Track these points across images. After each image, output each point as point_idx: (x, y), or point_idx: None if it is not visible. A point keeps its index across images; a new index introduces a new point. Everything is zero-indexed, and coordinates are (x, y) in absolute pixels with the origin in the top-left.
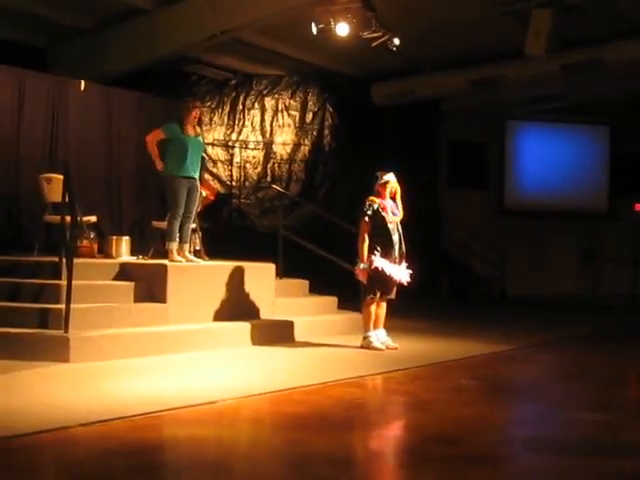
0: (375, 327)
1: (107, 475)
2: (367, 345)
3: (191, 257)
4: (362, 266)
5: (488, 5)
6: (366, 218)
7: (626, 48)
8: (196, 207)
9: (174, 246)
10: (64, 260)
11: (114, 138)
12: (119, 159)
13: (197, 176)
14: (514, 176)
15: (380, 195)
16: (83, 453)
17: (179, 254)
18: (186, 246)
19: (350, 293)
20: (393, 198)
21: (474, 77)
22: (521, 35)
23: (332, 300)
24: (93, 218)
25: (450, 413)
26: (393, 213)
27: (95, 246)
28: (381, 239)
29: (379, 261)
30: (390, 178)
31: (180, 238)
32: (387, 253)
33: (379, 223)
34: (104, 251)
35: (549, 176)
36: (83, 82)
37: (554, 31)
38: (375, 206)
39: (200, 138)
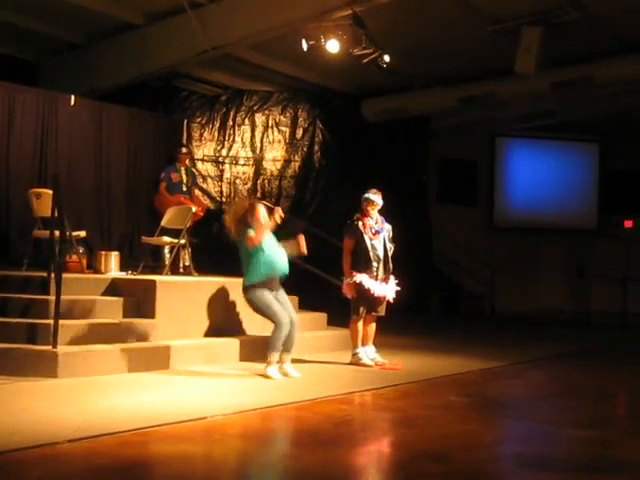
0: (364, 344)
1: None
2: (356, 362)
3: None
4: (346, 282)
5: (478, 23)
6: (347, 234)
7: (615, 66)
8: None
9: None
10: (53, 275)
11: (104, 153)
12: (109, 174)
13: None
14: (504, 193)
15: (364, 213)
16: (71, 469)
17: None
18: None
19: (340, 309)
20: (382, 214)
21: (464, 94)
22: (511, 53)
23: (322, 316)
24: (82, 233)
25: (439, 430)
26: (376, 231)
27: (84, 261)
28: (361, 256)
29: (359, 276)
30: (371, 196)
31: None
32: (367, 269)
33: (359, 240)
34: (93, 266)
35: (539, 193)
36: (73, 97)
37: (544, 49)
38: (356, 222)
39: None
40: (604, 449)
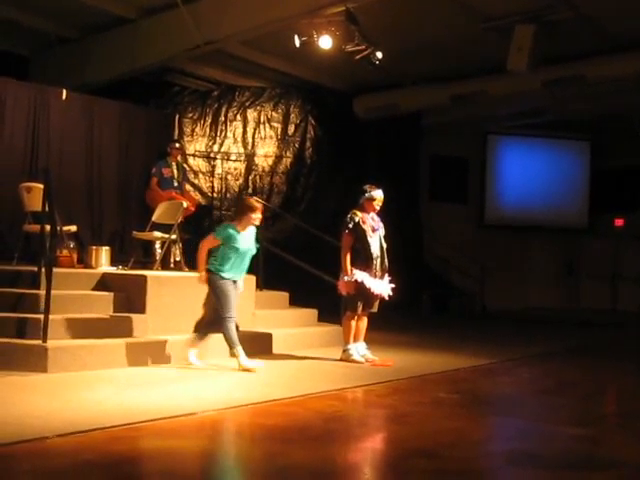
0: (355, 340)
1: None
2: (347, 358)
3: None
4: (345, 278)
5: (471, 21)
6: (347, 231)
7: (607, 65)
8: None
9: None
10: (43, 269)
11: (95, 147)
12: (100, 169)
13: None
14: (495, 190)
15: (364, 209)
16: (60, 464)
17: None
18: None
19: (331, 305)
20: (378, 213)
21: (456, 92)
22: (504, 51)
23: (312, 312)
24: (73, 228)
25: (429, 427)
26: (374, 228)
27: (75, 256)
28: (361, 252)
29: (359, 274)
30: (378, 195)
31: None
32: (367, 266)
33: (359, 236)
34: (84, 261)
35: (530, 190)
36: (65, 91)
37: (536, 47)
38: (356, 219)
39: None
40: (594, 446)
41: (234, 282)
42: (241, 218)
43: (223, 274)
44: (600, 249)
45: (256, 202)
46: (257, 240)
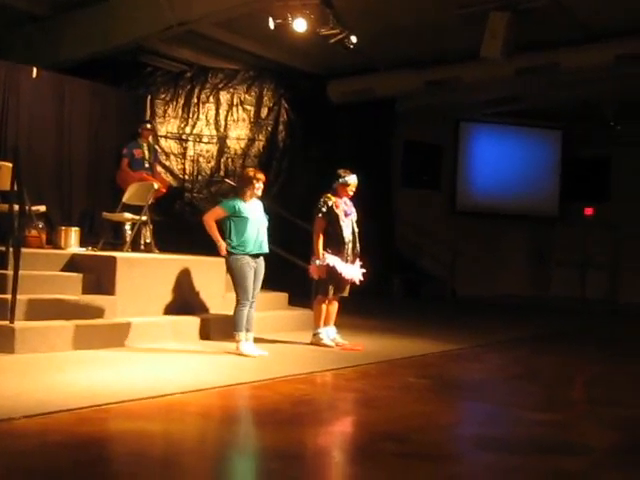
0: (325, 324)
1: (51, 468)
2: (317, 342)
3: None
4: (317, 262)
5: (447, 6)
6: (320, 215)
7: (581, 54)
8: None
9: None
10: (11, 250)
11: (66, 127)
12: (70, 148)
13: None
14: (467, 177)
15: (337, 194)
16: (27, 445)
17: None
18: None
19: (301, 289)
20: (351, 198)
21: (430, 78)
22: (478, 37)
23: (283, 296)
24: (42, 208)
25: (398, 411)
26: (347, 212)
27: (44, 236)
28: (333, 237)
29: (331, 259)
30: (352, 180)
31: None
32: (339, 251)
33: (332, 221)
34: (53, 241)
35: (502, 178)
36: (35, 69)
37: (511, 34)
38: (329, 203)
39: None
40: (562, 432)
41: (254, 259)
42: (244, 190)
43: (240, 250)
44: (570, 237)
45: (256, 171)
46: (266, 212)
